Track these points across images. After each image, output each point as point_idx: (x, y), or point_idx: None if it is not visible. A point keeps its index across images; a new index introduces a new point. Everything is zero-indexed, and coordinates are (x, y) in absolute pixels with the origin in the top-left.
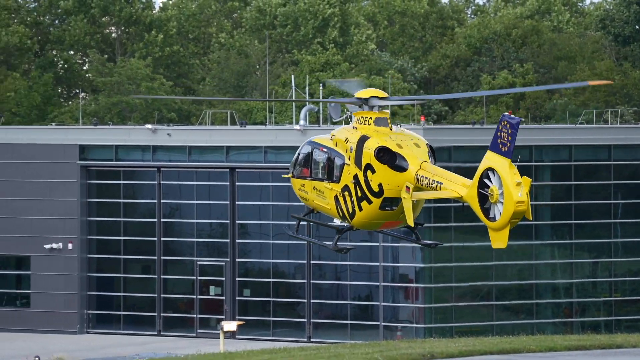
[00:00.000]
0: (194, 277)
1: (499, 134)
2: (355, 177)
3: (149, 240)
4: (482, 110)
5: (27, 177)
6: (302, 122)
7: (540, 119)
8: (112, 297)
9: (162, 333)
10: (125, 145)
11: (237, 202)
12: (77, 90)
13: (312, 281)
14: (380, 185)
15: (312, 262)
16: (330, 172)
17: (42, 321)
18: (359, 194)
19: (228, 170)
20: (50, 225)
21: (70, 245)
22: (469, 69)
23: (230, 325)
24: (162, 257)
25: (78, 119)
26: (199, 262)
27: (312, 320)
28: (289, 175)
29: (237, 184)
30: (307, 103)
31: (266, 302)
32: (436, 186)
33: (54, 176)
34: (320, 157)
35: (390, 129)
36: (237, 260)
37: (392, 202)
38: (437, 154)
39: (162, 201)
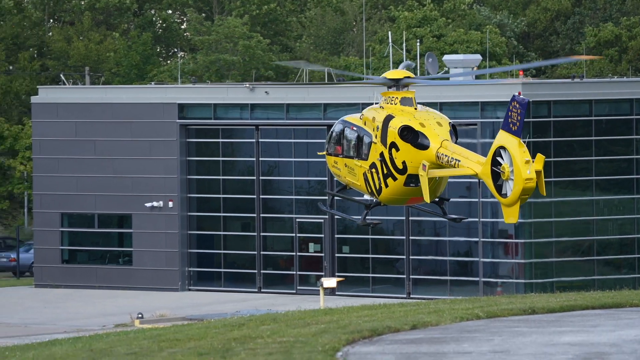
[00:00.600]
0: (293, 235)
1: (509, 113)
2: (381, 154)
3: (248, 197)
4: (583, 63)
5: (127, 137)
6: None
7: None
8: (213, 255)
9: (262, 290)
10: (224, 104)
11: None
12: (176, 50)
13: (411, 237)
14: (404, 162)
15: (410, 218)
16: (359, 150)
17: (144, 279)
18: (385, 171)
19: (326, 127)
20: (150, 184)
21: (170, 204)
22: (569, 22)
23: (330, 282)
24: (262, 215)
25: (177, 77)
26: (298, 220)
27: (411, 277)
28: (324, 152)
29: None
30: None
31: (365, 258)
32: (454, 163)
33: (154, 135)
34: (350, 135)
35: (415, 109)
36: (336, 217)
37: (416, 179)
38: (537, 108)
39: (260, 159)
